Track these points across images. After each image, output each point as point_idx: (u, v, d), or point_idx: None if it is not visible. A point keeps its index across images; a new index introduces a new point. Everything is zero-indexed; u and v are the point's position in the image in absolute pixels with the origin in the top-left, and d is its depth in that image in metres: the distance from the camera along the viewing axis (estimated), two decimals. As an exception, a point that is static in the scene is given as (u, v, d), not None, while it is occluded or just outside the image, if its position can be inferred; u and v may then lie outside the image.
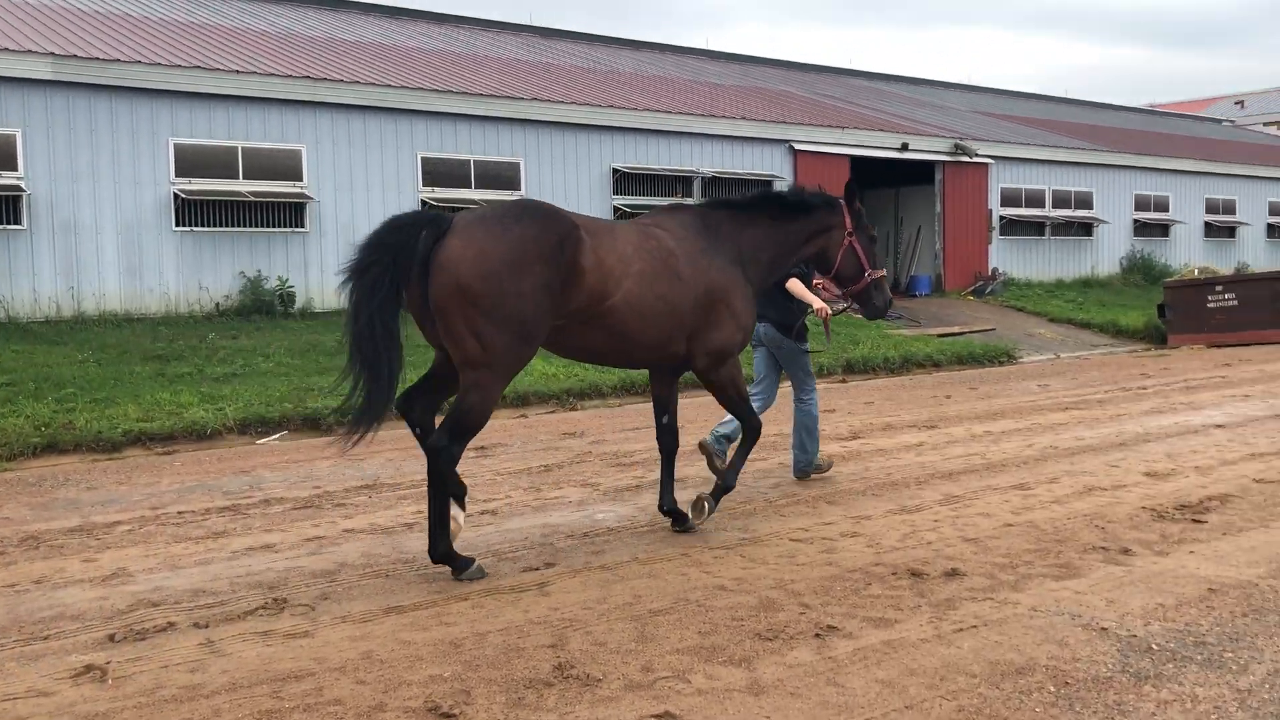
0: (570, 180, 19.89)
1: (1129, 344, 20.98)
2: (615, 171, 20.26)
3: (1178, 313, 20.56)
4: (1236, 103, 54.51)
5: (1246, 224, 33.46)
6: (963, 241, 26.40)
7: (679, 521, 6.20)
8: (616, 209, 20.17)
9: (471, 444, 9.50)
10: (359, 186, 17.59)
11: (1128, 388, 12.87)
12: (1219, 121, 50.46)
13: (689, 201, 20.72)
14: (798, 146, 23.05)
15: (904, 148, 25.01)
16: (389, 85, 18.03)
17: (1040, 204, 27.86)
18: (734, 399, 6.30)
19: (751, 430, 6.35)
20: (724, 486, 6.33)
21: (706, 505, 6.19)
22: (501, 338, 5.12)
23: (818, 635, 4.39)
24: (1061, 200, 28.31)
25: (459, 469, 5.36)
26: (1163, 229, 30.99)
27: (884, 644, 4.29)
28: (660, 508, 6.24)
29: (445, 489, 5.28)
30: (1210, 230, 32.47)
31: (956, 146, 25.86)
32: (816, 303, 7.18)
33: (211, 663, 4.26)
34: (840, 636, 4.38)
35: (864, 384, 14.69)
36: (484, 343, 5.11)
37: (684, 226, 6.06)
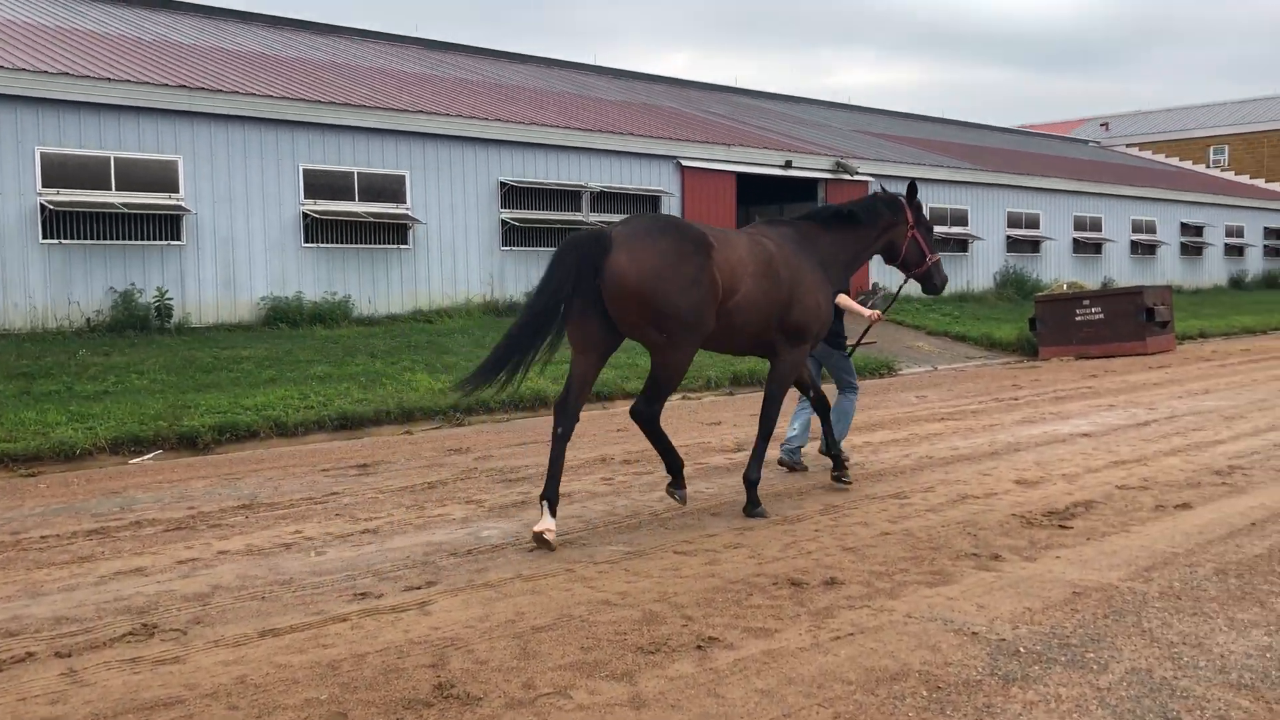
0: (457, 193, 19.74)
1: (1003, 356, 21.71)
2: (503, 185, 20.19)
3: (1048, 326, 21.39)
4: (1102, 125, 57.09)
5: (1112, 241, 35.03)
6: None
7: (838, 466, 7.76)
8: (504, 222, 20.09)
9: (353, 461, 9.43)
10: (238, 199, 17.14)
11: (1001, 398, 13.33)
12: (1086, 142, 52.81)
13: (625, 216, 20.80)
14: (685, 163, 23.30)
15: (788, 165, 25.50)
16: (270, 96, 17.64)
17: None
18: (784, 380, 7.21)
19: (769, 425, 7.16)
20: (750, 479, 7.02)
21: (844, 477, 7.72)
22: (672, 322, 6.28)
23: (699, 647, 4.43)
24: (939, 217, 29.18)
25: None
26: (1034, 245, 32.23)
27: (764, 654, 4.36)
28: (822, 450, 8.04)
29: (662, 440, 6.77)
30: (1078, 246, 33.90)
31: (838, 165, 26.48)
32: (867, 312, 8.20)
33: (74, 693, 4.09)
34: (721, 647, 4.43)
35: (752, 396, 14.88)
36: (661, 328, 6.32)
37: (781, 236, 7.23)
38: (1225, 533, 6.26)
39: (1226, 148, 50.53)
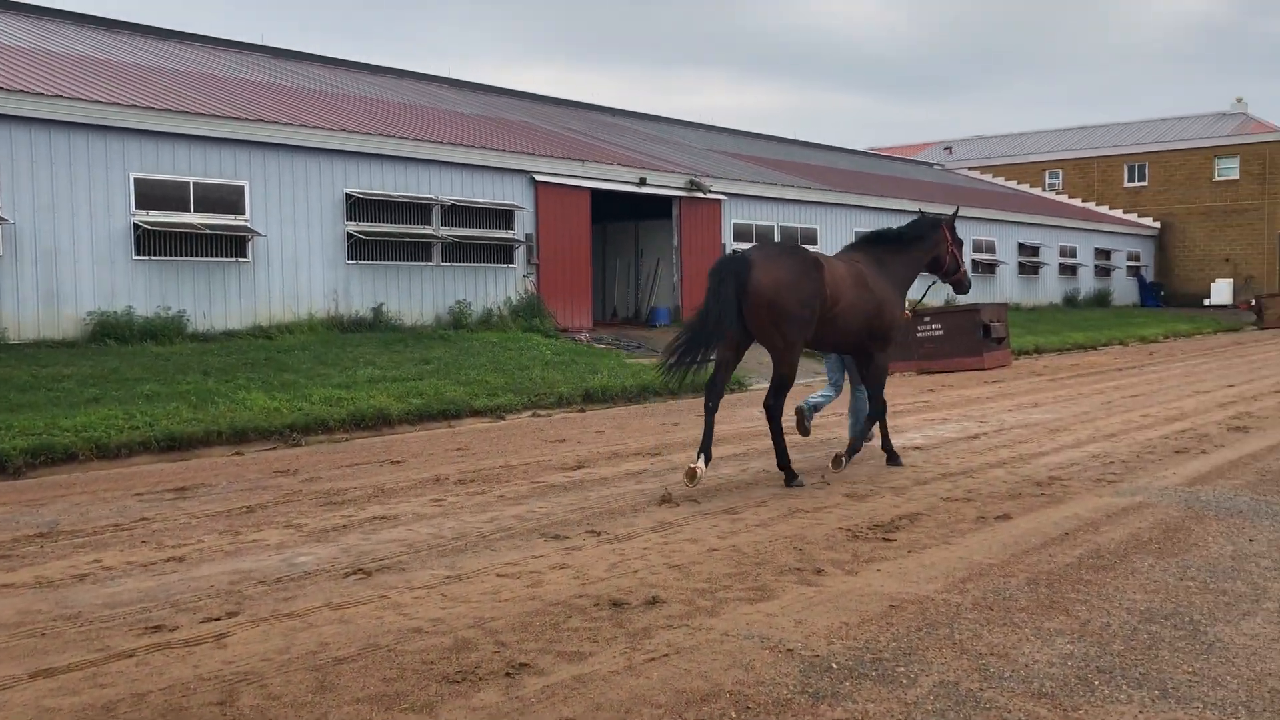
0: (300, 205, 19.11)
1: (851, 371, 22.24)
2: (349, 197, 19.65)
3: (892, 342, 21.99)
4: (946, 148, 59.42)
5: (954, 260, 36.38)
6: (700, 274, 27.22)
7: (893, 459, 9.34)
8: (350, 235, 19.56)
9: (172, 484, 8.92)
10: (62, 208, 16.19)
11: (841, 412, 13.57)
12: (930, 165, 54.88)
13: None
14: (539, 178, 23.14)
15: (642, 182, 25.61)
16: (98, 101, 16.73)
17: (770, 239, 29.20)
18: (880, 375, 9.11)
19: (881, 407, 9.10)
20: (858, 445, 9.06)
21: (843, 460, 8.86)
22: (790, 329, 8.21)
23: (508, 674, 4.27)
24: (789, 236, 29.79)
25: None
26: (881, 264, 33.21)
27: (574, 679, 4.22)
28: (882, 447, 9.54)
29: (779, 435, 8.55)
30: (923, 265, 35.10)
31: (691, 183, 26.73)
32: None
33: None
34: (531, 674, 4.27)
35: (601, 413, 14.79)
36: (782, 333, 8.23)
37: (866, 257, 9.09)
38: (1040, 543, 6.43)
39: (1061, 172, 53.19)
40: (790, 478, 8.47)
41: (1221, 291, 45.20)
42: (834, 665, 4.38)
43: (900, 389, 17.19)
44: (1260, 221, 46.85)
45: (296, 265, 19.11)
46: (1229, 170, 47.73)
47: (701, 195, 26.91)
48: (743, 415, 13.70)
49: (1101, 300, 43.75)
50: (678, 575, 5.72)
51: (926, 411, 13.55)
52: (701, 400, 8.80)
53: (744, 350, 8.60)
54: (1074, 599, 5.31)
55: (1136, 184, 50.46)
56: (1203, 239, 47.82)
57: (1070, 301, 42.34)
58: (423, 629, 4.87)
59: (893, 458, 9.31)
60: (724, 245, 27.67)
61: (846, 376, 9.94)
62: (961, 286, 10.19)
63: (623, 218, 30.08)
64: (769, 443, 10.82)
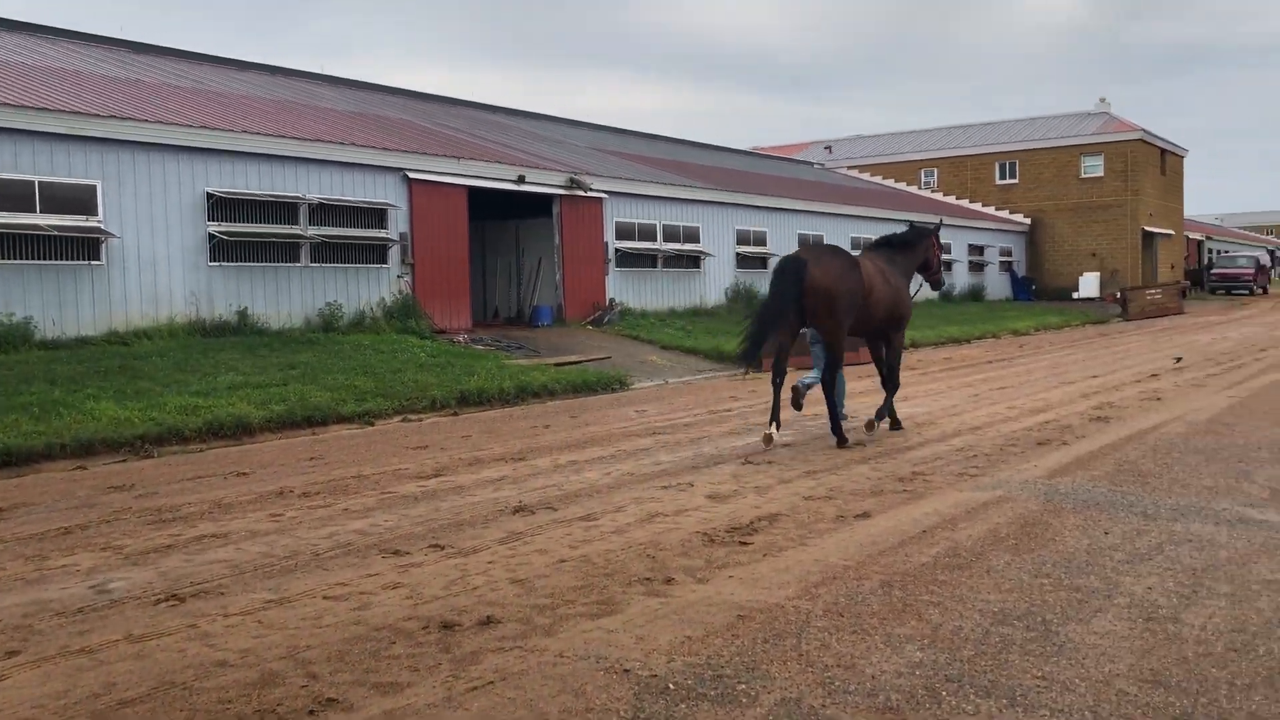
0: (158, 205, 18.18)
1: (732, 368, 22.17)
2: (210, 196, 18.77)
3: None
4: (826, 148, 60.28)
5: (835, 257, 36.84)
6: (581, 273, 26.96)
7: (896, 426, 11.03)
8: (212, 236, 18.69)
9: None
10: (-116, 208, 15.04)
11: (715, 410, 13.42)
12: (811, 164, 55.62)
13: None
14: (412, 175, 22.51)
15: (521, 180, 25.16)
16: (-77, 92, 15.61)
17: (652, 237, 29.06)
18: (897, 355, 11.12)
19: (896, 382, 11.19)
20: (884, 412, 11.01)
21: (874, 424, 10.84)
22: (840, 314, 9.92)
23: (312, 712, 3.88)
24: (671, 234, 29.71)
25: None
26: (762, 261, 33.38)
27: (384, 714, 3.85)
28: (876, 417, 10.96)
29: (833, 398, 10.20)
30: (804, 263, 35.44)
31: (571, 181, 26.38)
32: None
33: None
34: (338, 711, 3.89)
35: (476, 416, 14.37)
36: (835, 320, 9.95)
37: (882, 256, 10.99)
38: (898, 541, 6.29)
39: (936, 170, 54.43)
40: (841, 441, 10.04)
41: (1089, 285, 46.80)
42: (671, 685, 4.11)
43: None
44: (1124, 217, 48.66)
45: (155, 268, 18.16)
46: (1094, 168, 49.46)
47: (582, 194, 26.59)
48: (617, 415, 13.43)
49: (976, 295, 44.85)
50: (519, 591, 5.39)
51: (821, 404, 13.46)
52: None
53: (796, 336, 10.53)
54: (927, 601, 5.16)
55: (1008, 181, 51.94)
56: (1071, 234, 49.43)
57: (946, 296, 43.28)
58: (228, 662, 4.44)
59: (842, 440, 10.10)
60: (606, 244, 27.43)
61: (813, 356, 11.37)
62: (938, 284, 12.29)
63: (503, 216, 29.58)
64: (641, 442, 10.63)
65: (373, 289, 21.64)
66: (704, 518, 7.00)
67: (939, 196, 52.33)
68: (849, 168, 56.19)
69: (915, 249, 11.39)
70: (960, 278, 45.01)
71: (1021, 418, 11.79)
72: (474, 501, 7.74)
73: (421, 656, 4.44)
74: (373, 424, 13.45)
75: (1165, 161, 53.03)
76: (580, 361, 21.22)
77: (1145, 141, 49.72)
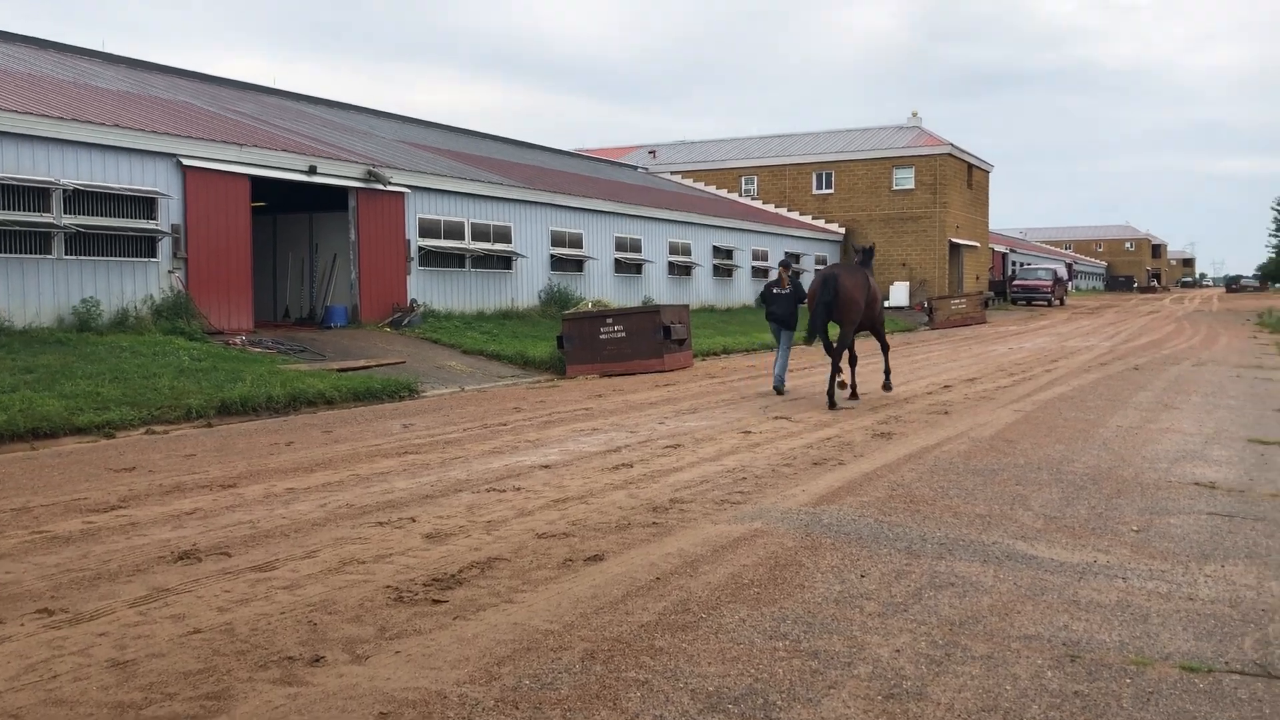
0: None
1: (535, 374, 21.13)
2: (-66, 178, 16.48)
3: (574, 344, 21.11)
4: (650, 152, 60.02)
5: (651, 261, 36.26)
6: (380, 271, 25.38)
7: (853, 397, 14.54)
8: (-70, 222, 16.39)
9: None
10: None
11: (489, 424, 12.33)
12: (635, 168, 55.17)
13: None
14: (188, 162, 20.56)
15: (312, 171, 23.45)
16: None
17: (460, 236, 27.72)
18: (887, 344, 15.24)
19: (887, 347, 15.49)
20: (885, 385, 15.14)
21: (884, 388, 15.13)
22: (853, 314, 13.58)
23: None
24: (481, 233, 28.44)
25: None
26: (577, 264, 32.48)
27: None
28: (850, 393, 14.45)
29: (836, 369, 13.79)
30: (620, 266, 34.68)
31: (369, 173, 24.80)
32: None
33: None
34: None
35: (232, 428, 12.86)
36: (851, 316, 13.58)
37: (863, 269, 14.37)
38: (622, 594, 5.35)
39: (756, 178, 54.85)
40: (831, 404, 13.51)
41: (899, 294, 47.91)
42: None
43: (571, 394, 16.20)
44: (933, 229, 50.06)
45: None
46: (905, 180, 50.71)
47: (381, 187, 25.03)
48: (379, 430, 12.14)
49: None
50: (115, 679, 4.16)
51: (583, 420, 12.53)
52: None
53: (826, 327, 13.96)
54: (631, 680, 4.21)
55: (824, 191, 52.74)
56: (883, 244, 50.53)
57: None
58: None
59: (833, 403, 13.59)
60: (408, 241, 25.95)
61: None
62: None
63: (296, 209, 27.72)
64: (384, 464, 9.23)
65: (139, 285, 19.62)
66: (407, 565, 5.89)
67: (759, 204, 52.72)
68: (672, 173, 56.04)
69: (868, 265, 15.07)
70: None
71: (804, 433, 11.15)
72: (138, 544, 6.39)
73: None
74: (113, 436, 11.84)
75: (972, 176, 54.93)
76: (369, 367, 19.75)
77: (953, 156, 51.31)
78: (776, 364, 15.60)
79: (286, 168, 22.86)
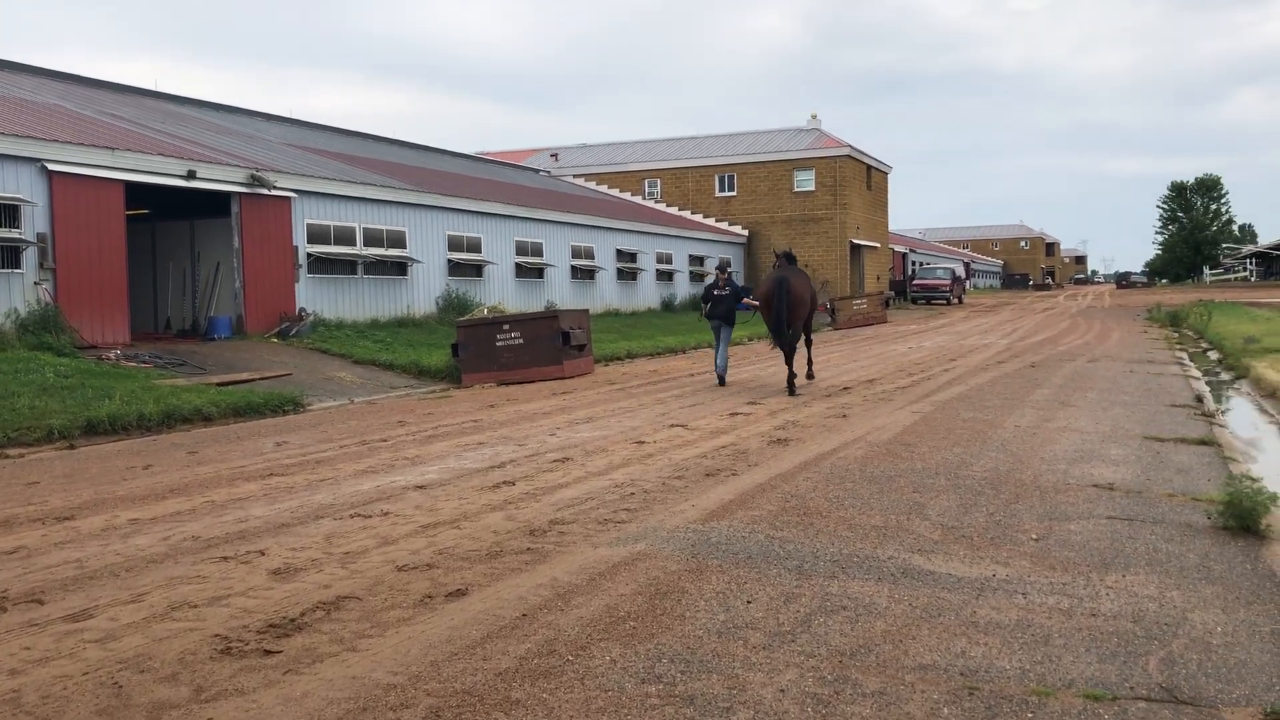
0: None
1: (431, 384, 20.40)
2: None
3: (470, 351, 20.44)
4: (552, 155, 59.36)
5: (553, 265, 35.66)
6: (266, 280, 24.35)
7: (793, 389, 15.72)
8: None
9: None
10: None
11: (369, 440, 11.65)
12: (537, 171, 54.50)
13: None
14: (54, 167, 19.37)
15: (191, 175, 22.35)
16: None
17: (351, 242, 26.80)
18: (810, 333, 17.07)
19: (811, 343, 17.66)
20: (809, 374, 17.18)
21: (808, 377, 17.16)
22: (802, 312, 16.12)
23: None
24: (374, 238, 27.54)
25: None
26: (477, 269, 31.74)
27: None
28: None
29: (792, 362, 15.95)
30: (521, 271, 34.01)
31: (253, 177, 23.76)
32: (754, 304, 16.95)
33: None
34: None
35: (96, 449, 12.00)
36: (800, 315, 16.04)
37: (804, 273, 16.58)
38: (483, 635, 4.81)
39: (659, 181, 54.61)
40: (791, 390, 15.43)
41: (803, 295, 47.95)
42: None
43: (462, 405, 15.56)
44: (834, 230, 50.41)
45: None
46: (806, 182, 50.98)
47: (265, 192, 24.01)
48: (247, 450, 11.36)
49: (697, 305, 45.04)
50: None
51: (471, 434, 11.92)
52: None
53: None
54: (479, 741, 3.68)
55: (727, 194, 52.76)
56: (786, 246, 50.74)
57: (668, 306, 43.18)
58: None
59: (793, 390, 15.59)
60: (296, 248, 24.95)
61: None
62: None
63: (178, 216, 26.48)
64: (245, 488, 8.41)
65: (1, 298, 18.41)
66: (244, 608, 5.26)
67: (662, 207, 52.48)
68: (575, 176, 55.50)
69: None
70: (682, 288, 45.07)
71: (700, 441, 10.72)
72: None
73: None
74: (-47, 462, 10.86)
75: (871, 177, 55.50)
76: (253, 380, 18.82)
77: (852, 157, 51.75)
78: (718, 359, 17.52)
79: (164, 172, 21.75)
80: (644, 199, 53.68)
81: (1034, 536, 6.76)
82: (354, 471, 9.36)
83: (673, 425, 12.05)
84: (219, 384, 18.06)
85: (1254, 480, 8.95)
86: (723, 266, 18.76)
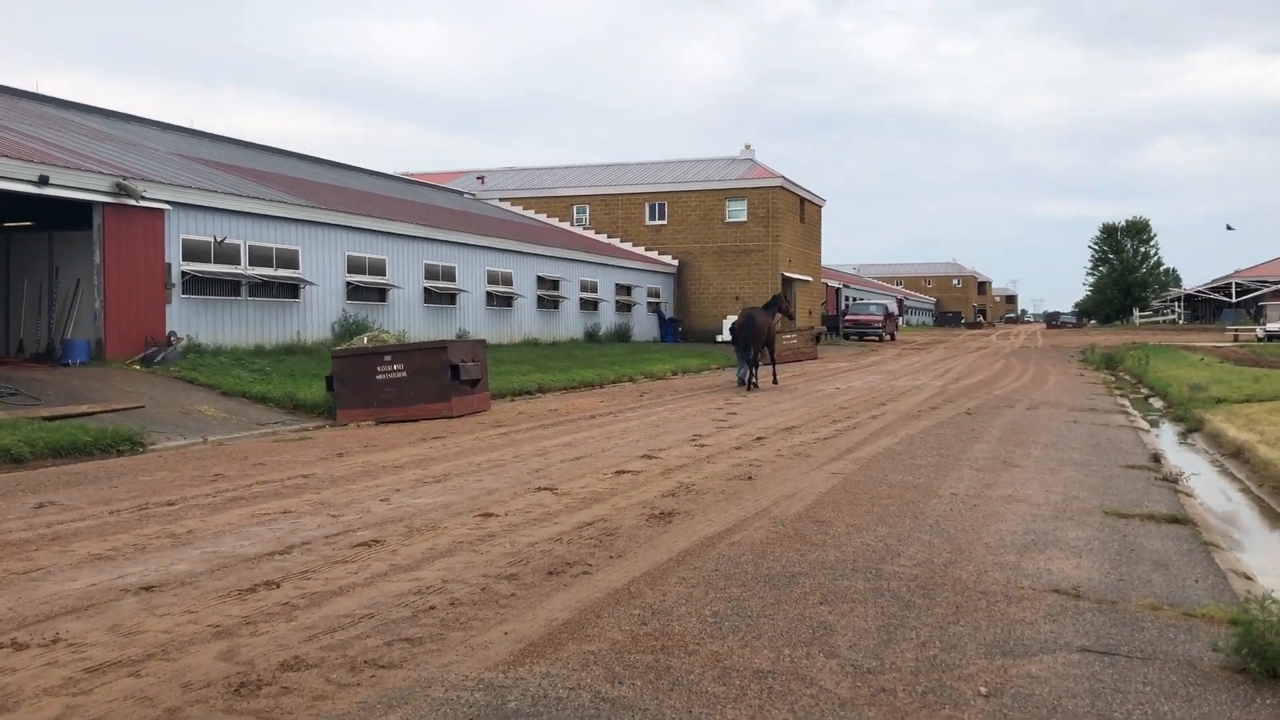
0: None
1: (305, 420, 18.05)
2: None
3: (347, 385, 18.13)
4: (478, 177, 57.17)
5: (466, 291, 33.41)
6: (132, 300, 21.76)
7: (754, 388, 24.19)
8: None
9: None
10: None
11: (152, 503, 9.28)
12: (462, 193, 52.22)
13: None
14: None
15: (43, 181, 19.78)
16: None
17: (235, 260, 24.32)
18: (774, 356, 26.23)
19: (774, 362, 26.58)
20: (773, 380, 25.76)
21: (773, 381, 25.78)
22: (760, 340, 24.32)
23: None
24: (261, 257, 25.10)
25: None
26: (379, 292, 29.40)
27: None
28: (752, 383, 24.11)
29: (755, 371, 24.33)
30: (430, 296, 31.74)
31: (119, 186, 21.24)
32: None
33: None
34: None
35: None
36: (764, 342, 24.77)
37: (766, 312, 25.15)
38: None
39: (589, 207, 52.65)
40: (749, 387, 23.36)
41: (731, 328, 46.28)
42: None
43: (313, 450, 13.21)
44: (766, 261, 48.77)
45: None
46: (738, 212, 49.34)
47: (133, 202, 21.47)
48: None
49: (623, 335, 43.00)
50: None
51: (287, 495, 9.61)
52: None
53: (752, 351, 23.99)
54: None
55: (657, 222, 50.93)
56: (716, 277, 49.00)
57: (592, 336, 41.10)
58: None
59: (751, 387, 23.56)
60: (169, 264, 22.42)
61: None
62: (791, 316, 30.45)
63: (35, 227, 23.85)
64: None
65: None
66: None
67: (590, 234, 50.49)
68: (501, 200, 53.35)
69: (774, 307, 25.31)
70: (607, 318, 43.03)
71: (564, 514, 8.54)
72: None
73: None
74: None
75: (804, 210, 54.06)
76: (93, 413, 16.31)
77: (785, 189, 50.26)
78: (740, 370, 24.49)
79: (10, 177, 19.17)
80: (572, 225, 51.67)
81: (982, 690, 4.71)
82: (84, 556, 7.01)
83: (539, 489, 9.83)
84: (47, 417, 15.54)
85: (1253, 582, 7.04)
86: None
